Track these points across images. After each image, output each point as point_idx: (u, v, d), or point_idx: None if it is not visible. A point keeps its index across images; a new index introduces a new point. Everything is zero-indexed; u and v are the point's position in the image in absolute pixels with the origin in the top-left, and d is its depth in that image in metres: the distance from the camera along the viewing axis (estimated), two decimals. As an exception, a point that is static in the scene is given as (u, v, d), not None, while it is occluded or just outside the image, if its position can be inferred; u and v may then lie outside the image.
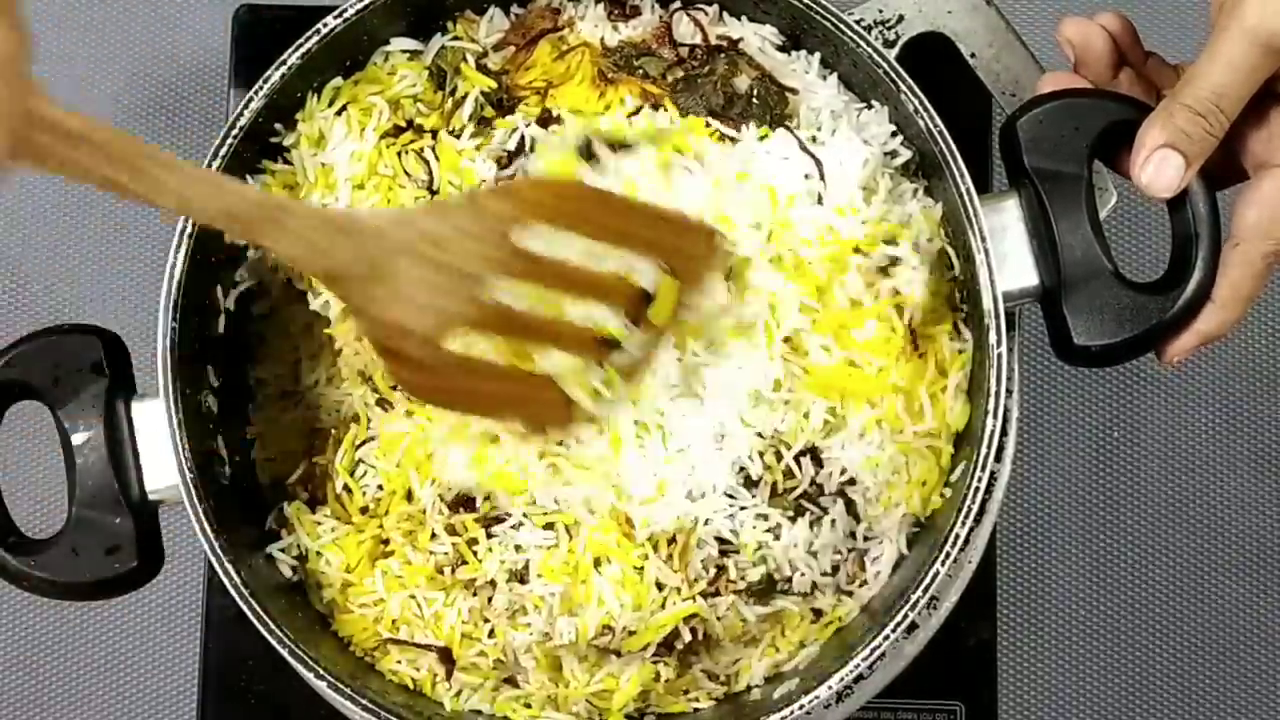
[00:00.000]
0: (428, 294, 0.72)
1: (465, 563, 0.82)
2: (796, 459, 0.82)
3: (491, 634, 0.84)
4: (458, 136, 0.85)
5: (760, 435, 0.82)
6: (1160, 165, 0.77)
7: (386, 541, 0.85)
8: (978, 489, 0.81)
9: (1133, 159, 0.79)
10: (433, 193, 0.83)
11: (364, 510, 0.85)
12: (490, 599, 0.83)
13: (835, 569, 0.83)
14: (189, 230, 0.83)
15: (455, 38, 0.88)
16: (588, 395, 0.77)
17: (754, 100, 0.85)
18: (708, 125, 0.84)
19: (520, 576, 0.82)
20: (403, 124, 0.85)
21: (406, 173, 0.84)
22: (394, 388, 0.82)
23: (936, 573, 0.80)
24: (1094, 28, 0.84)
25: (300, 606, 0.86)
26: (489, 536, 0.82)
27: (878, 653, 0.80)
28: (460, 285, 0.73)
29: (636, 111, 0.85)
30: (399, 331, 0.73)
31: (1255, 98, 0.77)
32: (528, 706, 0.85)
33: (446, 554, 0.83)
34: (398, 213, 0.74)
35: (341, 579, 0.85)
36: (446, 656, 0.84)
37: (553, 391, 0.77)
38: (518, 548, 0.82)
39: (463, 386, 0.76)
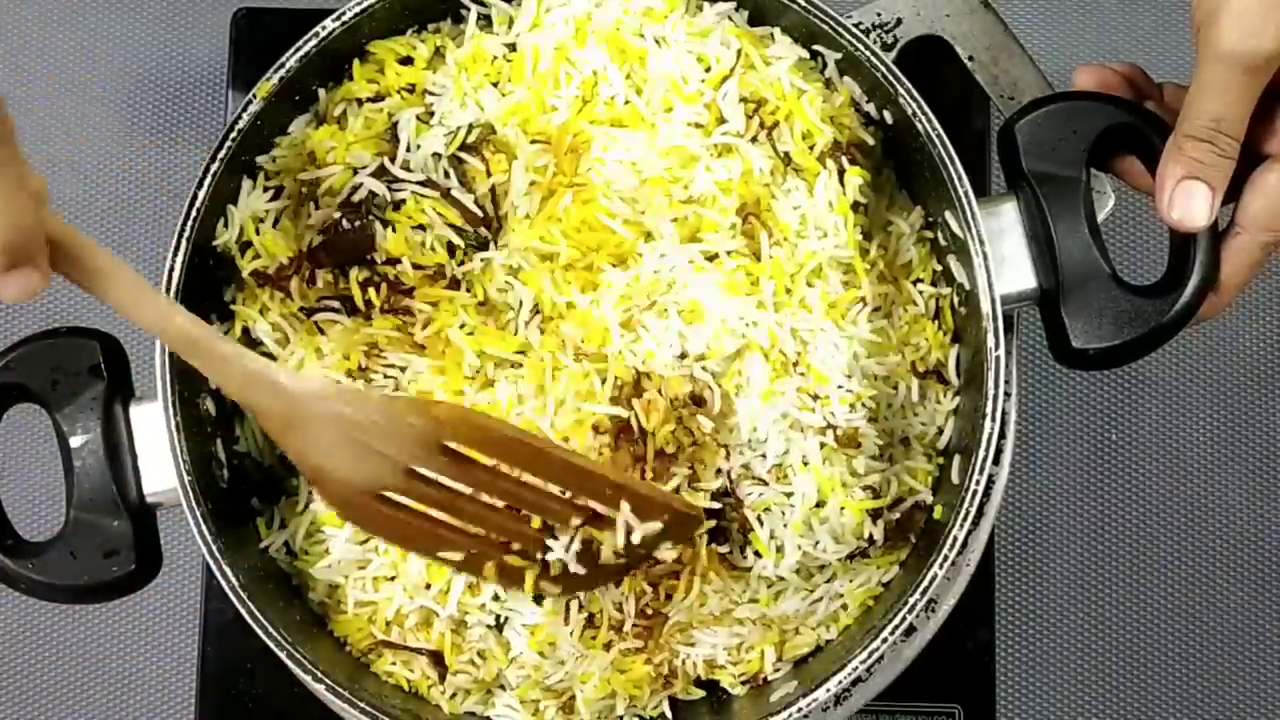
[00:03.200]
0: (345, 460, 0.75)
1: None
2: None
3: (482, 655, 0.85)
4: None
5: None
6: (1187, 198, 0.78)
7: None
8: (976, 492, 0.81)
9: (1158, 201, 0.79)
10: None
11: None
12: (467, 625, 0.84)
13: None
14: (187, 234, 0.83)
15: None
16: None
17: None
18: None
19: (499, 625, 0.84)
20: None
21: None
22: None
23: (934, 575, 0.80)
24: (1106, 71, 0.85)
25: (298, 609, 0.86)
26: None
27: (876, 655, 0.80)
28: (379, 461, 0.75)
29: None
30: (326, 474, 0.76)
31: (1260, 99, 0.77)
32: (514, 709, 0.85)
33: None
34: (319, 385, 0.75)
35: (327, 581, 0.86)
36: (438, 660, 0.84)
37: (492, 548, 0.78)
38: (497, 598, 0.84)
39: (392, 524, 0.77)
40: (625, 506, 0.77)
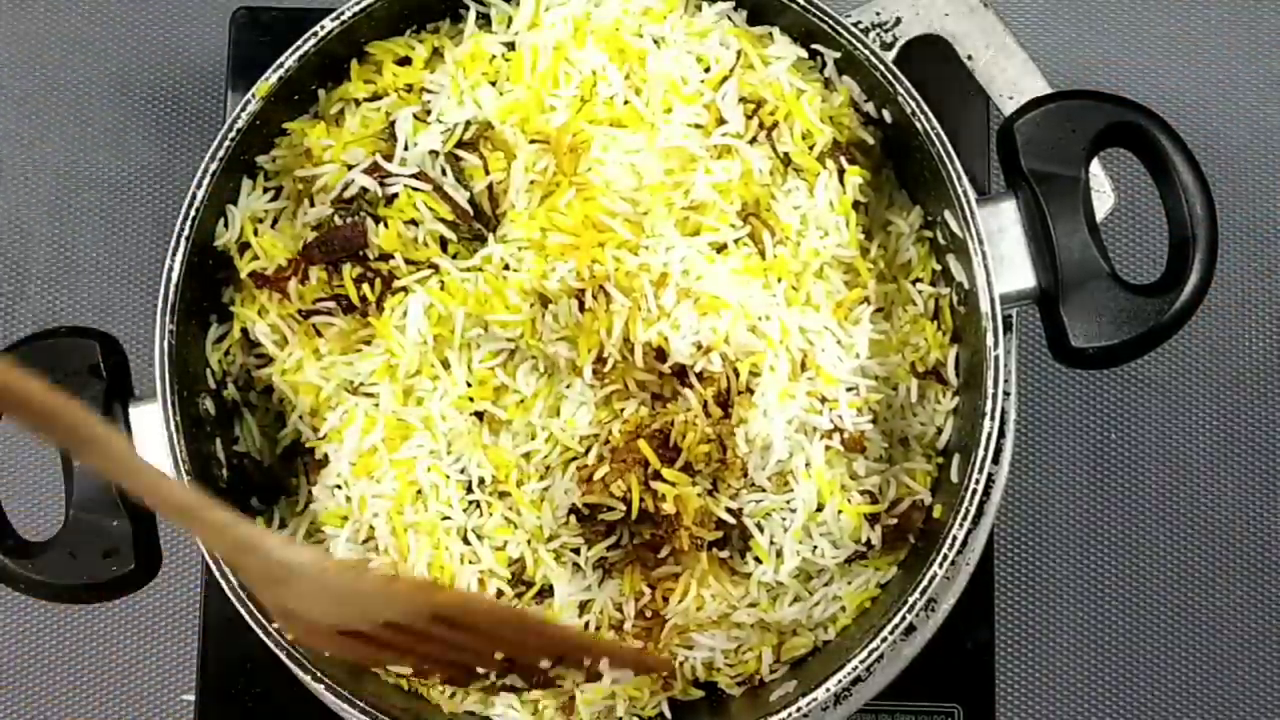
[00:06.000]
0: (334, 606, 0.72)
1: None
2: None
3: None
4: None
5: None
6: None
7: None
8: (975, 491, 0.81)
9: None
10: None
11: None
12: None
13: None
14: (187, 234, 0.83)
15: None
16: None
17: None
18: None
19: None
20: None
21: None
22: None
23: (934, 575, 0.80)
24: None
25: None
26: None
27: (875, 654, 0.80)
28: (367, 616, 0.72)
29: None
30: (300, 617, 0.73)
31: None
32: (514, 709, 0.85)
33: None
34: (311, 558, 0.72)
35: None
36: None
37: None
38: None
39: (353, 650, 0.75)
40: (605, 663, 0.76)
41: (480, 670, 0.76)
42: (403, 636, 0.73)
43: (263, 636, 0.80)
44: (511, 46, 0.88)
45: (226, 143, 0.84)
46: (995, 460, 0.87)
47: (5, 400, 0.63)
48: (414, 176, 0.84)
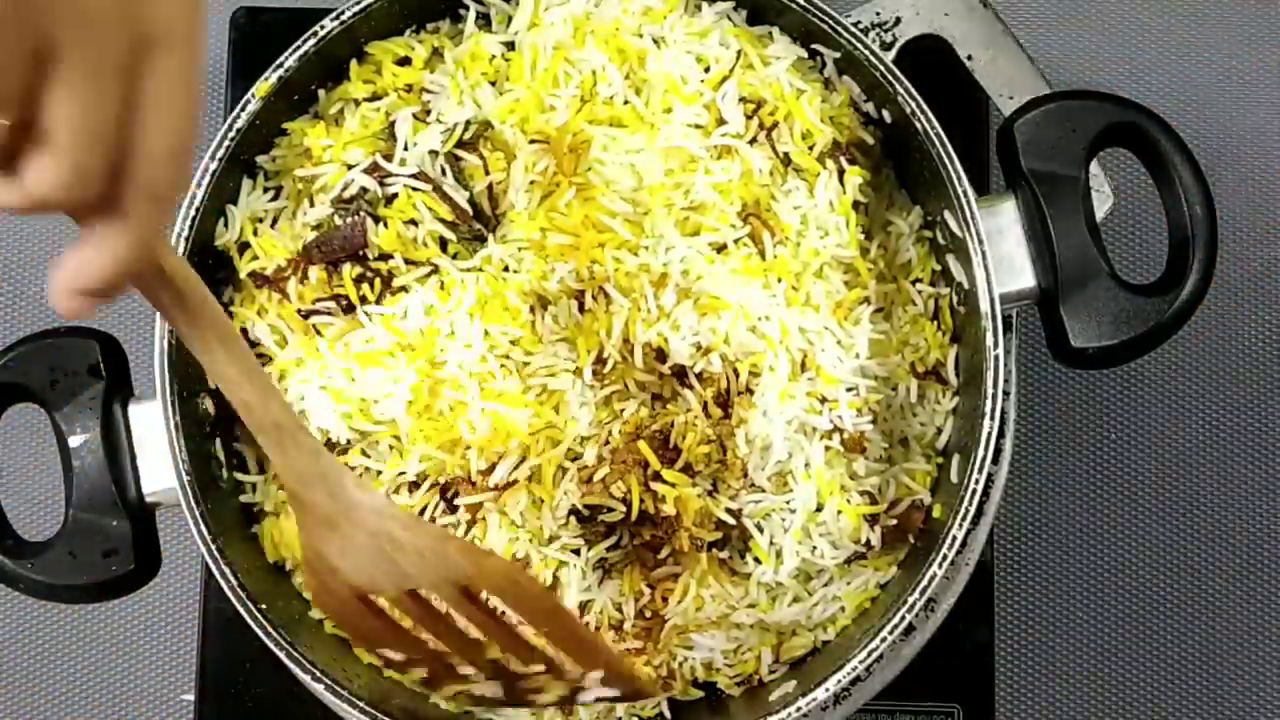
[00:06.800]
0: (361, 565, 0.72)
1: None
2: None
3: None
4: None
5: None
6: None
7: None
8: (975, 491, 0.81)
9: None
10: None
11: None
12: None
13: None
14: (187, 234, 0.83)
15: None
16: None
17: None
18: None
19: None
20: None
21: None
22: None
23: (933, 575, 0.80)
24: None
25: (298, 608, 0.86)
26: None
27: (875, 655, 0.80)
28: (392, 576, 0.72)
29: None
30: (331, 569, 0.73)
31: None
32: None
33: None
34: (383, 502, 0.72)
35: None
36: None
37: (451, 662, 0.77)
38: None
39: (363, 624, 0.75)
40: (596, 675, 0.76)
41: (463, 671, 0.76)
42: (417, 611, 0.73)
43: (263, 636, 0.80)
44: (511, 46, 0.88)
45: (226, 142, 0.84)
46: (995, 460, 0.87)
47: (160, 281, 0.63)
48: (414, 176, 0.84)
